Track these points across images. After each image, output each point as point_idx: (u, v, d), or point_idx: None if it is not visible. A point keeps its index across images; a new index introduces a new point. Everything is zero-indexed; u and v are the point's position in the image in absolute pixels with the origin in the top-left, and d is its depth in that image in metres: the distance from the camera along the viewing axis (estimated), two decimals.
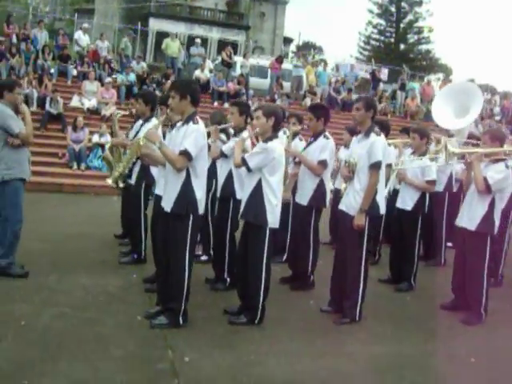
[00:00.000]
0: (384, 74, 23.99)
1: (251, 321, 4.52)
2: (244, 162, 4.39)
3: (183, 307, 4.27)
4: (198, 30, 36.27)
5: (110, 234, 7.16)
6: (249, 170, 4.40)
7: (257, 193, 4.41)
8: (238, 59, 19.19)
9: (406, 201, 6.05)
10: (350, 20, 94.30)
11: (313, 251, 5.71)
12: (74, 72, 15.94)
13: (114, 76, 16.31)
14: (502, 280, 6.64)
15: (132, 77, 16.06)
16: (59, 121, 13.01)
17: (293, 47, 48.21)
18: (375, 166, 4.66)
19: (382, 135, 4.80)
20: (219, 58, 20.32)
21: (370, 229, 4.80)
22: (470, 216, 5.10)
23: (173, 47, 17.73)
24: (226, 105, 16.56)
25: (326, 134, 5.59)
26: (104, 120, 13.49)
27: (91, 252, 6.40)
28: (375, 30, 41.33)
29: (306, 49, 54.67)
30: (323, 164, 5.45)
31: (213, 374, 3.61)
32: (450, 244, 7.36)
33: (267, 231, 4.41)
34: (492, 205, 5.02)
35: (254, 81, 19.24)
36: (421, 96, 19.74)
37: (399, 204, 6.11)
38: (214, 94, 17.27)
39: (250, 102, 16.29)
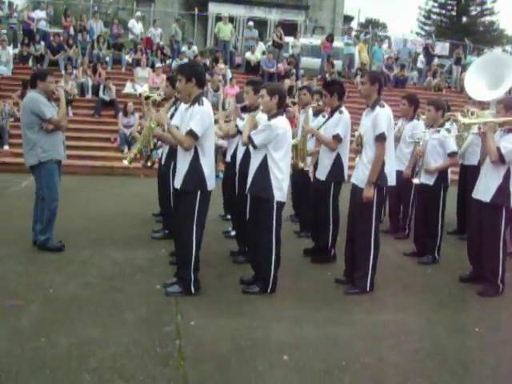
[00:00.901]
0: (445, 48, 23.25)
1: (263, 290, 4.75)
2: (250, 140, 4.59)
3: (193, 277, 4.55)
4: (257, 12, 36.04)
5: (150, 213, 7.56)
6: (254, 147, 4.59)
7: (263, 168, 4.60)
8: (290, 39, 19.16)
9: (428, 175, 6.04)
10: None
11: (333, 225, 5.83)
12: (129, 59, 16.55)
13: (167, 62, 16.84)
14: None
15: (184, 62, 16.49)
16: (112, 107, 13.64)
17: (355, 25, 47.22)
18: (379, 138, 4.73)
19: (387, 107, 4.83)
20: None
21: (379, 200, 4.89)
22: (485, 188, 5.05)
23: (225, 31, 18.00)
24: None
25: (342, 109, 5.67)
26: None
27: (128, 229, 6.82)
28: (436, 4, 39.78)
29: (369, 26, 53.29)
30: (337, 139, 5.54)
31: (214, 337, 3.87)
32: None
33: (274, 204, 4.60)
34: (507, 176, 4.95)
35: (307, 60, 19.19)
36: None
37: (422, 179, 6.11)
38: (264, 76, 17.42)
39: (299, 82, 16.41)
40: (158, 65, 15.29)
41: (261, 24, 30.38)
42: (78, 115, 13.42)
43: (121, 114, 12.76)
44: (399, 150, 6.86)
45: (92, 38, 16.57)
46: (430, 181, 6.02)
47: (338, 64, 18.80)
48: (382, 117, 4.75)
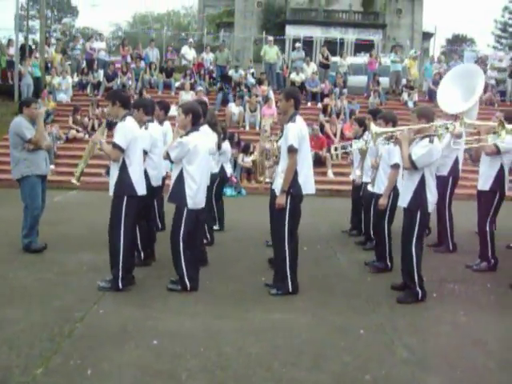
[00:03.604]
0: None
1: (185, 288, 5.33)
2: (167, 155, 5.25)
3: (121, 275, 5.23)
4: (334, 33, 36.64)
5: None
6: (171, 161, 5.25)
7: (179, 179, 5.23)
8: (336, 59, 19.57)
9: (381, 185, 6.35)
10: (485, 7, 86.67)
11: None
12: (177, 84, 17.76)
13: (214, 86, 17.89)
14: None
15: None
16: None
17: (442, 41, 46.34)
18: (289, 150, 5.17)
19: (297, 121, 5.24)
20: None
21: (292, 208, 5.30)
22: (403, 194, 5.38)
23: (270, 53, 18.77)
24: (319, 105, 17.21)
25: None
26: None
27: None
28: None
29: (457, 42, 52.04)
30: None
31: (109, 323, 4.50)
32: None
33: (185, 211, 5.21)
34: (422, 181, 5.19)
35: (354, 79, 19.48)
36: None
37: (376, 188, 6.45)
38: (308, 95, 17.96)
39: (338, 101, 16.75)
40: (200, 88, 16.29)
41: (339, 44, 31.00)
42: None
43: None
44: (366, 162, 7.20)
45: (146, 64, 17.99)
46: (381, 190, 6.31)
47: (386, 81, 18.90)
48: (292, 130, 5.19)
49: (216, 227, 8.29)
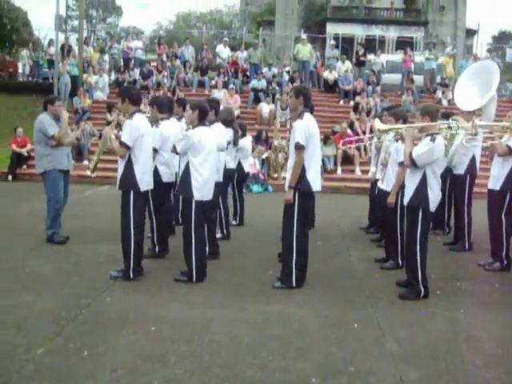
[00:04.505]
0: None
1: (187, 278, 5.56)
2: (174, 148, 5.47)
3: (132, 265, 5.49)
4: (375, 31, 36.42)
5: None
6: (177, 153, 5.47)
7: (186, 172, 5.44)
8: (370, 57, 19.45)
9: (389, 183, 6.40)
10: None
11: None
12: (212, 82, 18.04)
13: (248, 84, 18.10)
14: None
15: (262, 82, 17.61)
16: None
17: (488, 39, 45.23)
18: (296, 147, 5.30)
19: (305, 119, 5.34)
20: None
21: (301, 204, 5.42)
22: (406, 192, 5.40)
23: (303, 51, 18.82)
24: (351, 103, 17.17)
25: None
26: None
27: None
28: None
29: (503, 39, 50.59)
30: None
31: (114, 310, 4.75)
32: None
33: (193, 203, 5.42)
34: (424, 179, 5.19)
35: (388, 77, 19.32)
36: None
37: (384, 185, 6.52)
38: (340, 93, 17.95)
39: (370, 99, 16.64)
40: (231, 86, 16.52)
41: (379, 42, 30.77)
42: None
43: None
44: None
45: (182, 62, 18.36)
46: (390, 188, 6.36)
47: (420, 79, 18.67)
48: (298, 128, 5.32)
49: (235, 222, 8.50)
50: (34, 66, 18.60)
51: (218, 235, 7.48)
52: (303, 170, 5.35)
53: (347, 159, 13.87)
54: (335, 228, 8.68)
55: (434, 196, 5.28)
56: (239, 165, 8.40)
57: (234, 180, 8.31)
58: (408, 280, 5.49)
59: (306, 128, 5.35)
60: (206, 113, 5.55)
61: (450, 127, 5.23)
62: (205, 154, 5.43)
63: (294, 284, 5.50)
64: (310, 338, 4.34)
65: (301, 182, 5.35)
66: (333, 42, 20.48)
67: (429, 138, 5.18)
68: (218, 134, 6.05)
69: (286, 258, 5.54)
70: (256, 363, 3.85)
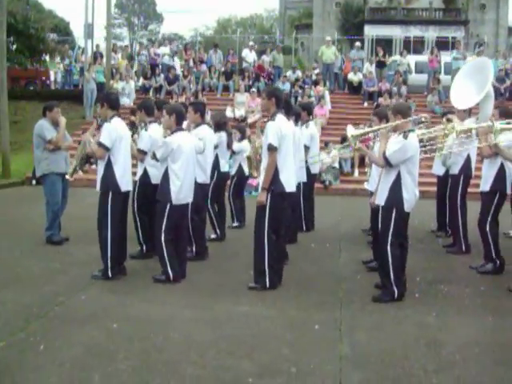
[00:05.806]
0: None
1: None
2: (154, 155, 5.62)
3: (110, 264, 5.68)
4: (414, 31, 35.85)
5: None
6: (157, 160, 5.61)
7: (165, 177, 5.58)
8: (396, 57, 19.19)
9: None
10: None
11: None
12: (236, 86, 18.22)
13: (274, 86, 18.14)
14: None
15: (286, 85, 17.66)
16: None
17: None
18: (268, 148, 5.36)
19: (277, 120, 5.38)
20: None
21: (273, 205, 5.46)
22: (380, 191, 5.38)
23: (327, 54, 18.77)
24: (375, 104, 16.97)
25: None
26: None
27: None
28: None
29: None
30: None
31: (86, 307, 4.94)
32: None
33: (167, 207, 5.54)
34: (398, 179, 5.15)
35: (416, 77, 19.01)
36: None
37: (370, 186, 6.50)
38: (364, 95, 17.80)
39: (393, 100, 16.43)
40: (253, 90, 16.63)
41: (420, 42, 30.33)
42: None
43: None
44: None
45: (208, 67, 18.63)
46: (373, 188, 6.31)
47: (448, 79, 18.24)
48: (271, 129, 5.36)
49: (235, 224, 8.59)
50: (66, 74, 19.26)
51: (213, 236, 7.62)
52: (276, 171, 5.39)
53: (364, 161, 13.72)
54: (335, 230, 8.64)
55: (409, 196, 5.20)
56: (239, 167, 8.51)
57: (232, 183, 8.41)
58: (382, 282, 5.46)
59: (279, 129, 5.38)
60: (182, 117, 5.68)
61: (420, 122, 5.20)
62: (183, 158, 5.55)
63: (267, 284, 5.55)
64: (264, 338, 4.38)
65: (274, 182, 5.39)
66: (358, 43, 20.28)
67: (401, 135, 5.14)
68: (195, 136, 6.16)
69: (258, 258, 5.58)
70: (200, 362, 3.92)
